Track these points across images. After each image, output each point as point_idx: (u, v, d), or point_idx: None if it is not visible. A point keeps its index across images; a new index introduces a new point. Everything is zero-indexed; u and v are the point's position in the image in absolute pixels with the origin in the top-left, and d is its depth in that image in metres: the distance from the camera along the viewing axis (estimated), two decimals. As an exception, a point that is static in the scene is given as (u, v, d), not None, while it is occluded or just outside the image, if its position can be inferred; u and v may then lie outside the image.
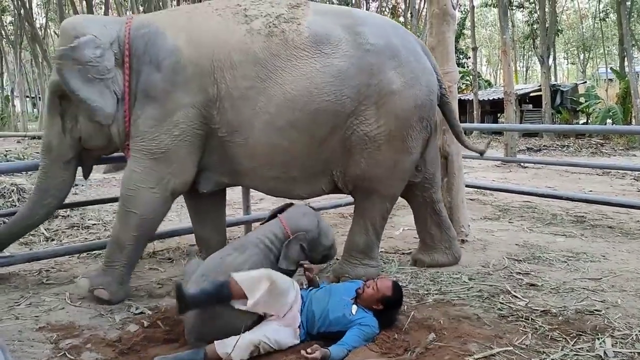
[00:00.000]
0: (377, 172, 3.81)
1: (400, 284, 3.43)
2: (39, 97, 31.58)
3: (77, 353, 2.95)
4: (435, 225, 4.34)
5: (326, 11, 3.91)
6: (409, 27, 21.44)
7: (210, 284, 2.87)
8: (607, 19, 29.10)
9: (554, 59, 28.65)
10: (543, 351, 2.84)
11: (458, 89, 4.66)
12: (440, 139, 4.87)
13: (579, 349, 2.86)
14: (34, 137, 20.51)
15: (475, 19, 26.01)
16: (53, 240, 5.44)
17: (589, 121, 21.31)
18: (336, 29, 3.70)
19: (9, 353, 2.51)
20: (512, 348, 2.88)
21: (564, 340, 2.97)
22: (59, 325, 3.33)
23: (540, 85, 21.85)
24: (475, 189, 7.61)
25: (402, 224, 5.78)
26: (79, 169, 4.02)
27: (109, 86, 3.59)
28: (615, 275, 4.07)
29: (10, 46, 30.58)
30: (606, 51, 35.12)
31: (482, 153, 4.70)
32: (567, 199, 6.39)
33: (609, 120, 18.55)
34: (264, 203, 7.40)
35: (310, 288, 3.27)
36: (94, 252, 4.82)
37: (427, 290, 3.80)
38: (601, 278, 4.01)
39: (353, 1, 24.08)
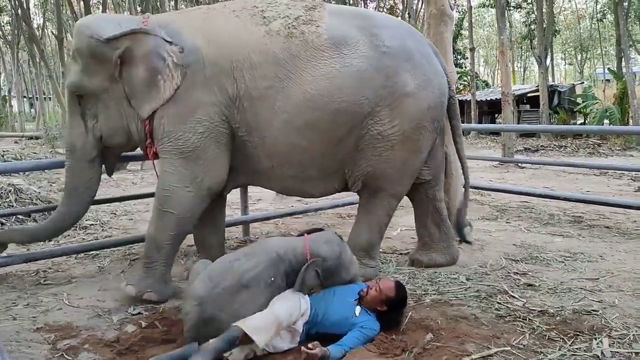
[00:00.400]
0: (388, 170, 3.89)
1: (398, 284, 3.43)
2: (36, 98, 31.55)
3: (75, 354, 2.95)
4: (434, 224, 4.37)
5: (342, 12, 3.96)
6: (406, 27, 21.38)
7: (221, 340, 2.77)
8: (604, 20, 29.15)
9: (552, 59, 28.67)
10: (540, 351, 2.85)
11: (456, 89, 4.69)
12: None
13: (576, 349, 2.87)
14: (31, 138, 20.51)
15: (473, 20, 26.03)
16: (50, 240, 5.44)
17: (587, 122, 21.32)
18: (353, 31, 3.77)
19: (6, 354, 2.51)
20: (509, 348, 2.88)
21: (561, 340, 2.98)
22: (57, 326, 3.33)
23: (537, 86, 21.85)
24: (473, 189, 7.60)
25: (399, 224, 5.78)
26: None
27: None
28: (613, 275, 4.08)
29: (8, 46, 30.51)
30: (603, 52, 35.17)
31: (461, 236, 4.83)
32: (565, 199, 6.40)
33: (606, 121, 18.56)
34: (261, 204, 7.41)
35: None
36: (92, 252, 4.81)
37: (425, 291, 3.80)
38: (598, 278, 4.02)
39: (350, 1, 24.09)
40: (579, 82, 28.84)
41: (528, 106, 23.56)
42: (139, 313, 3.54)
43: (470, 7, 23.40)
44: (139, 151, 4.23)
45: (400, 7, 27.18)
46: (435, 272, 4.19)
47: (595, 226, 5.79)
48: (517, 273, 4.17)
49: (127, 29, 3.59)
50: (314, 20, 3.76)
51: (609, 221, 6.01)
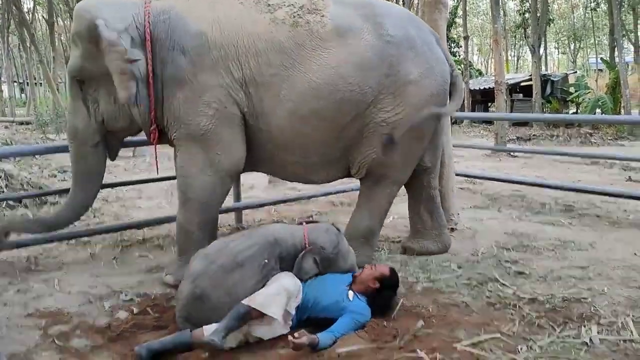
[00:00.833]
0: (392, 157, 3.91)
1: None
2: (27, 83, 31.27)
3: (66, 339, 2.95)
4: (427, 212, 4.41)
5: (346, 1, 3.94)
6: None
7: (230, 318, 2.79)
8: (598, 9, 29.15)
9: (545, 48, 28.72)
10: (530, 338, 2.87)
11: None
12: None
13: (565, 336, 2.90)
14: (22, 123, 20.33)
15: (467, 8, 25.99)
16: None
17: (579, 111, 21.37)
18: (357, 20, 3.78)
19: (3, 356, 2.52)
20: (499, 335, 2.91)
21: (550, 327, 3.01)
22: (48, 312, 3.33)
23: (530, 75, 21.87)
24: (466, 178, 7.63)
25: (392, 212, 5.77)
26: None
27: None
28: (602, 264, 4.11)
29: (-2, 30, 30.17)
30: (597, 41, 35.24)
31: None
32: (556, 188, 6.44)
33: (598, 110, 18.62)
34: (254, 191, 7.39)
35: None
36: (83, 239, 4.80)
37: (417, 278, 3.82)
38: (588, 266, 4.05)
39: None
40: (572, 71, 28.85)
41: (521, 95, 23.56)
42: (131, 299, 3.54)
43: (465, -6, 23.33)
44: (130, 138, 4.22)
45: (395, -6, 27.02)
46: (427, 260, 4.21)
47: (586, 215, 5.83)
48: (508, 261, 4.20)
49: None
50: (319, 9, 3.76)
51: (600, 210, 6.05)
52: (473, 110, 23.22)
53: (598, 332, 2.93)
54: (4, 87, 32.23)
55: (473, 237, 4.93)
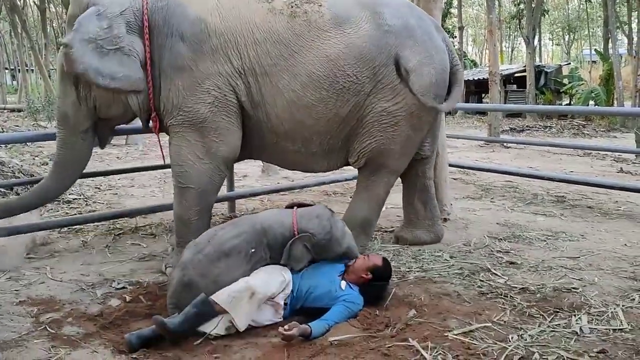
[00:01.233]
0: (392, 146, 3.92)
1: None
2: (18, 70, 30.95)
3: (58, 327, 2.95)
4: (421, 202, 4.42)
5: None
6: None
7: (191, 310, 2.79)
8: (592, 1, 29.12)
9: (539, 39, 28.64)
10: (521, 327, 2.90)
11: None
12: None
13: (555, 325, 2.93)
14: (13, 110, 20.15)
15: (462, -2, 25.85)
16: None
17: (572, 102, 21.43)
18: (356, 9, 3.76)
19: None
20: (490, 324, 2.93)
21: (541, 317, 3.03)
22: (40, 300, 3.32)
23: (524, 66, 21.87)
24: (459, 169, 7.66)
25: (385, 202, 5.79)
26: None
27: (126, 52, 3.51)
28: (593, 254, 4.15)
29: (-12, 16, 29.80)
30: (591, 33, 35.24)
31: None
32: (548, 179, 6.48)
33: (591, 102, 18.67)
34: (247, 180, 7.38)
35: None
36: (75, 227, 4.78)
37: (409, 268, 3.84)
38: (579, 257, 4.08)
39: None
40: (566, 62, 28.91)
41: (515, 86, 23.59)
42: (123, 287, 3.54)
43: (460, -16, 23.22)
44: (124, 125, 4.19)
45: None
46: (420, 250, 4.23)
47: (578, 206, 5.86)
48: (500, 251, 4.23)
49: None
50: None
51: (591, 201, 6.09)
52: (467, 101, 23.21)
53: (588, 322, 2.95)
54: (-5, 74, 31.91)
55: (465, 227, 4.95)
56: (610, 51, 18.70)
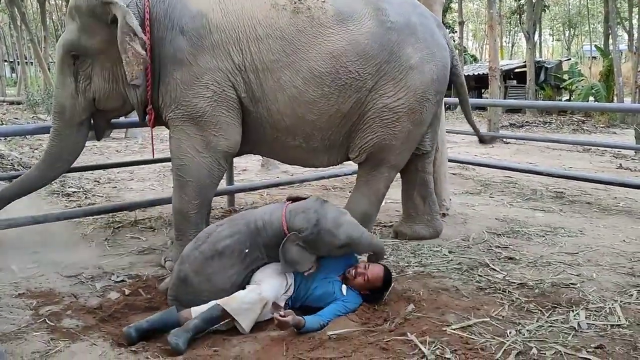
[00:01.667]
0: (393, 142, 3.94)
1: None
2: (17, 62, 30.85)
3: (58, 319, 2.95)
4: (420, 197, 4.43)
5: None
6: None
7: (200, 320, 2.75)
8: (593, -4, 29.08)
9: (540, 35, 28.61)
10: (519, 322, 2.90)
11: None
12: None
13: (553, 320, 2.93)
14: (12, 103, 20.11)
15: (463, -7, 25.77)
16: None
17: (572, 98, 21.37)
18: (358, 6, 3.76)
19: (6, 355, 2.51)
20: (488, 319, 2.93)
21: (539, 312, 3.04)
22: (39, 292, 3.33)
23: (525, 62, 21.82)
24: (458, 164, 7.66)
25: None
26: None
27: None
28: (591, 250, 4.16)
29: (-13, 8, 29.67)
30: (591, 29, 35.17)
31: (480, 138, 5.28)
32: (548, 174, 6.48)
33: (591, 98, 18.62)
34: (246, 174, 7.38)
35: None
36: (74, 219, 4.78)
37: (408, 263, 3.85)
38: (577, 252, 4.09)
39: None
40: (566, 58, 28.84)
41: (515, 82, 23.54)
42: (122, 280, 3.54)
43: (461, -21, 23.14)
44: (123, 118, 4.18)
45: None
46: (419, 245, 4.24)
47: (577, 202, 5.87)
48: (499, 246, 4.23)
49: None
50: None
51: (590, 197, 6.09)
52: (467, 96, 23.11)
53: (586, 317, 2.96)
54: (-6, 66, 31.82)
55: (464, 222, 4.96)
56: (611, 47, 18.66)
